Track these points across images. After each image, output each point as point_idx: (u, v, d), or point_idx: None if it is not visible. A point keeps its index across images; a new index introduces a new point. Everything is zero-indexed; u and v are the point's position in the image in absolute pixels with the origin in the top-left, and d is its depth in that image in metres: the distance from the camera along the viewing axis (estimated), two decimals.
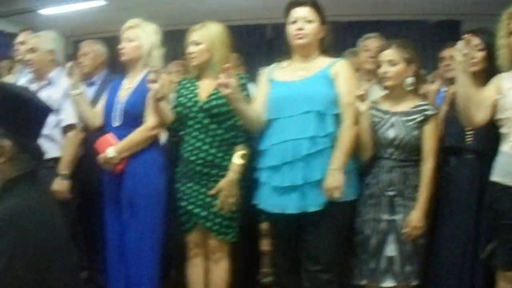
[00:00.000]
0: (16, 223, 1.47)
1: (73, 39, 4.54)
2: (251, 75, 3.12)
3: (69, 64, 3.03)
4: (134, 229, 2.87)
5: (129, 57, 2.91)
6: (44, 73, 3.19)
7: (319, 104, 2.47)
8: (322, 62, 2.59)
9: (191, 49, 2.78)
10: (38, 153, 1.69)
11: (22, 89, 1.85)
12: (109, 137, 2.92)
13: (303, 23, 2.52)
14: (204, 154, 2.75)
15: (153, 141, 2.92)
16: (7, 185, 1.59)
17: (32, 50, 3.18)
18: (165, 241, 2.96)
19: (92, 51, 3.76)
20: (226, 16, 3.69)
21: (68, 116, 3.09)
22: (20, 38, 3.79)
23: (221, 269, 2.85)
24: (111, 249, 3.00)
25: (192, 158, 2.76)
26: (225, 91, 2.44)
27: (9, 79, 3.85)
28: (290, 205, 2.47)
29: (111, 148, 2.84)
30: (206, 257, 2.89)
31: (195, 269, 2.89)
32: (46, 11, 6.45)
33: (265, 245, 3.29)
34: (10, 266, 1.42)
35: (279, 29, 2.82)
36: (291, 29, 2.55)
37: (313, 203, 2.43)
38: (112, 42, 3.34)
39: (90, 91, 3.53)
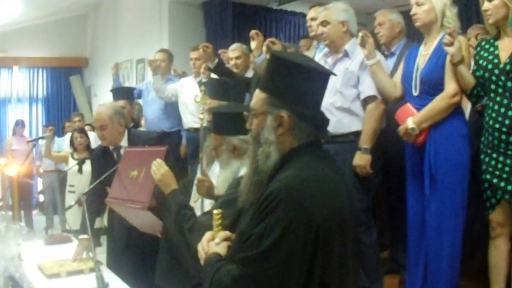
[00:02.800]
0: (293, 195, 1.74)
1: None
2: None
3: (360, 33, 3.72)
4: (434, 204, 3.48)
5: (422, 22, 3.55)
6: (339, 46, 3.94)
7: None
8: None
9: (486, 5, 3.24)
10: (319, 121, 1.94)
11: (295, 55, 2.19)
12: (408, 107, 3.60)
13: None
14: (509, 121, 3.20)
15: (455, 110, 3.47)
16: (287, 156, 1.88)
17: (324, 23, 3.92)
18: (470, 218, 3.49)
19: (388, 20, 4.47)
20: None
21: (367, 87, 3.79)
22: (310, 14, 4.70)
23: None
24: (412, 227, 3.69)
25: (496, 125, 3.25)
26: None
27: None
28: None
29: (410, 119, 3.50)
30: (511, 238, 3.32)
31: (497, 251, 3.36)
32: None
33: None
34: (284, 238, 1.70)
35: None
36: None
37: None
38: (408, 15, 3.87)
39: (390, 62, 4.26)
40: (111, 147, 4.09)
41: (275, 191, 1.76)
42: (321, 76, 1.96)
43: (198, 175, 3.68)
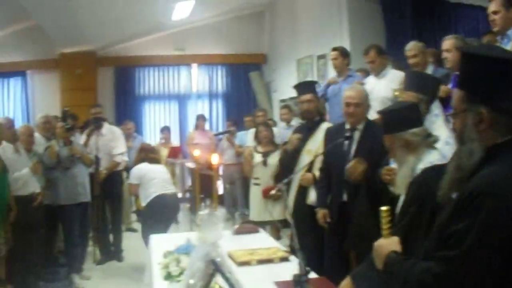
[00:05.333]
0: (497, 192, 1.72)
1: None
2: None
3: None
4: None
5: None
6: None
7: None
8: None
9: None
10: None
11: (488, 48, 2.13)
12: None
13: None
14: None
15: None
16: (490, 152, 1.85)
17: None
18: None
19: None
20: None
21: None
22: (492, 7, 4.43)
23: None
24: None
25: None
26: None
27: None
28: None
29: None
30: None
31: None
32: None
33: None
34: (487, 237, 1.69)
35: None
36: None
37: None
38: None
39: None
40: (347, 126, 4.65)
41: (479, 188, 1.75)
42: None
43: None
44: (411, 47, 5.50)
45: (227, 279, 2.42)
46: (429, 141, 3.25)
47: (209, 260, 2.45)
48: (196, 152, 4.53)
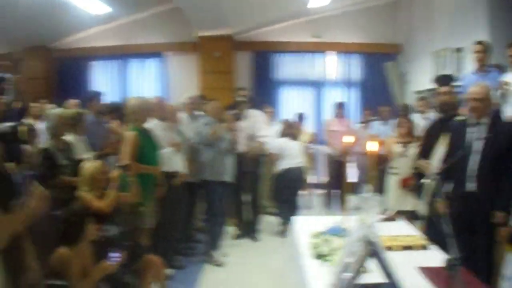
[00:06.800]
0: None
1: None
2: None
3: None
4: None
5: None
6: None
7: None
8: None
9: None
10: None
11: None
12: None
13: None
14: None
15: None
16: None
17: None
18: None
19: None
20: None
21: None
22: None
23: None
24: None
25: None
26: None
27: None
28: None
29: None
30: None
31: None
32: None
33: None
34: None
35: None
36: None
37: None
38: None
39: None
40: (470, 121, 4.82)
41: None
42: None
43: None
44: None
45: (382, 260, 2.62)
46: None
47: (367, 241, 2.70)
48: (350, 139, 4.77)
